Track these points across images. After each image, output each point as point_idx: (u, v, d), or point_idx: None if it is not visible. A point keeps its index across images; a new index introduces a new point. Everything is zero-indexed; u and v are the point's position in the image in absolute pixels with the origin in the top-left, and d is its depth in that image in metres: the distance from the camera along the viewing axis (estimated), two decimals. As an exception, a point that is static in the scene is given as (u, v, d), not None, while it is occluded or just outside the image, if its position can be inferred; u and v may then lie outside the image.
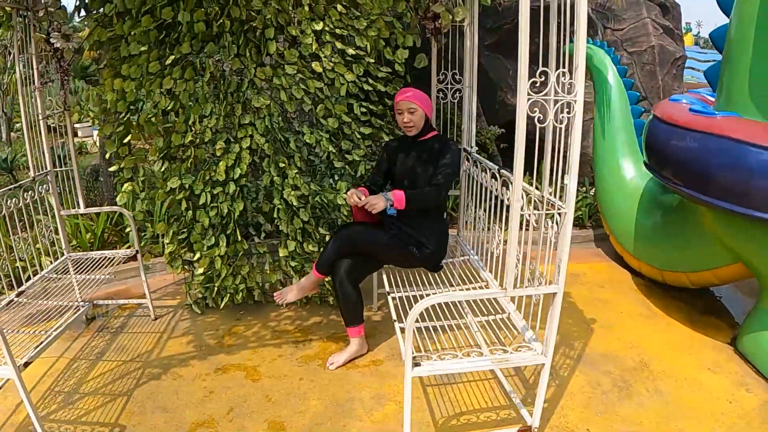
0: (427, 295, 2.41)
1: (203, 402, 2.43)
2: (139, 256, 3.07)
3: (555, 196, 1.88)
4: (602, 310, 3.20)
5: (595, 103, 3.83)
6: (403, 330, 2.06)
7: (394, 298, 2.50)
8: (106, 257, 3.07)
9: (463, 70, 2.89)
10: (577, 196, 4.38)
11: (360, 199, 2.43)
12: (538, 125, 1.76)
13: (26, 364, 2.14)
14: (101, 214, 3.92)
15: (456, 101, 2.98)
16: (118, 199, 2.83)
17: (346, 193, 2.75)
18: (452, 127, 3.20)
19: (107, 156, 2.76)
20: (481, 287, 2.52)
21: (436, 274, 2.71)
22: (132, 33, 2.56)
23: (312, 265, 2.66)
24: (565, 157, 1.79)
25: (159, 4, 2.53)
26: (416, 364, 1.93)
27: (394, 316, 2.39)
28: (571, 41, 4.42)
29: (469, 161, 2.81)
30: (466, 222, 2.93)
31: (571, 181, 1.77)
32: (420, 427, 2.24)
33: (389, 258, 2.65)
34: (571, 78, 1.72)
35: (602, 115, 3.74)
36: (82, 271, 2.94)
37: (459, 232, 3.05)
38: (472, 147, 2.83)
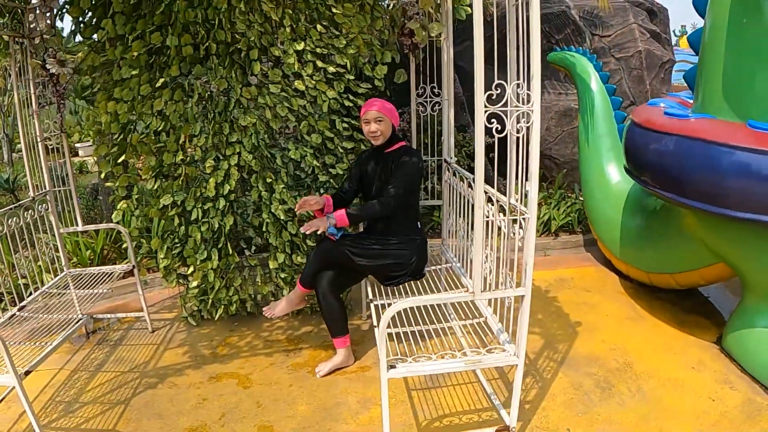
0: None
1: (196, 409, 2.53)
2: (135, 271, 3.18)
3: (521, 202, 1.95)
4: (588, 314, 3.24)
5: (579, 110, 3.89)
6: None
7: (376, 306, 2.58)
8: (104, 272, 3.18)
9: (441, 83, 2.99)
10: (566, 202, 4.43)
11: (302, 207, 2.53)
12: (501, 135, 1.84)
13: (27, 373, 2.25)
14: (100, 232, 4.02)
15: (435, 114, 3.07)
16: (113, 216, 2.95)
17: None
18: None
19: (101, 176, 2.88)
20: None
21: (418, 282, 2.78)
22: (123, 58, 2.69)
23: (300, 278, 2.74)
24: (526, 165, 1.86)
25: (148, 30, 2.66)
26: (392, 366, 2.00)
27: (375, 323, 2.47)
28: (555, 50, 4.45)
29: (449, 171, 2.89)
30: (449, 231, 3.00)
31: (532, 188, 1.84)
32: (403, 428, 2.31)
33: (369, 271, 2.71)
34: (527, 89, 1.80)
35: (586, 122, 3.79)
36: (82, 287, 3.05)
37: (443, 240, 3.12)
38: (451, 157, 2.92)
